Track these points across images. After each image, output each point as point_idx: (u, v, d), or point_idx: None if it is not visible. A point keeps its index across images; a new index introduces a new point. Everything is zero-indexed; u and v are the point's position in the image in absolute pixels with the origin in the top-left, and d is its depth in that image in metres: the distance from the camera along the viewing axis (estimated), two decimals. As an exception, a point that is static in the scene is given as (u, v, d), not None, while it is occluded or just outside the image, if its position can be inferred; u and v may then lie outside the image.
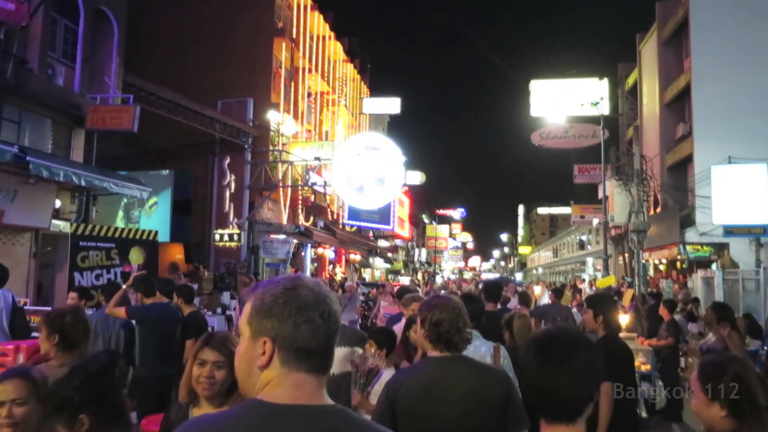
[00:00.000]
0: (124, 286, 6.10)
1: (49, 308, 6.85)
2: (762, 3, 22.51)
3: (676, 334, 7.95)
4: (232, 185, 19.60)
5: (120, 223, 19.29)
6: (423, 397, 2.52)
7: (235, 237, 19.36)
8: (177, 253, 20.26)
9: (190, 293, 5.86)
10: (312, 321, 1.31)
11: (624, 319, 7.78)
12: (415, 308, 4.24)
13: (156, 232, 13.14)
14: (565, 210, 68.64)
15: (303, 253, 24.32)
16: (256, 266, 19.49)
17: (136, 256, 11.85)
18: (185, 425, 1.35)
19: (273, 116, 20.07)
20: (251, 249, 19.45)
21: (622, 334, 7.55)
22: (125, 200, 19.15)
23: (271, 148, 20.33)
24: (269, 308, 1.32)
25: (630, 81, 33.40)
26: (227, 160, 19.68)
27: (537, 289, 21.31)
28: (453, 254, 73.29)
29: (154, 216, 19.12)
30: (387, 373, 3.62)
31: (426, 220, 62.34)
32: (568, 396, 1.58)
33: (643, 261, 22.04)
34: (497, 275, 67.99)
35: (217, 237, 19.42)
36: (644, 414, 6.96)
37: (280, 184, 19.99)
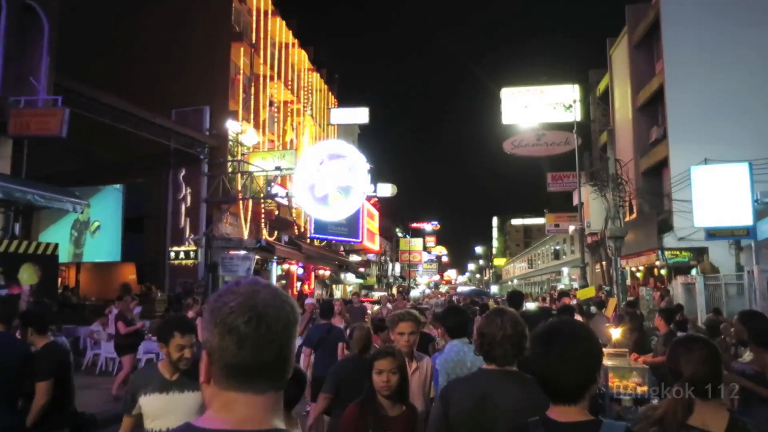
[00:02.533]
0: None
1: None
2: (732, 3, 22.17)
3: None
4: (188, 199, 18.36)
5: (66, 247, 17.93)
6: (476, 408, 2.55)
7: (192, 254, 18.12)
8: (129, 274, 18.97)
9: (40, 319, 4.32)
10: (236, 330, 1.12)
11: (615, 333, 6.79)
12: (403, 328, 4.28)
13: (56, 245, 11.00)
14: (539, 221, 68.49)
15: (269, 270, 23.12)
16: (214, 285, 18.20)
17: (27, 275, 10.02)
18: None
19: (231, 125, 18.93)
20: (209, 267, 18.19)
21: (609, 350, 6.58)
22: (73, 219, 17.82)
23: (229, 158, 19.15)
24: (206, 318, 1.17)
25: (601, 86, 33.05)
26: (182, 173, 18.47)
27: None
28: (428, 268, 72.41)
29: (102, 235, 17.77)
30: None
31: (399, 234, 61.43)
32: (570, 382, 1.84)
33: (621, 268, 21.31)
34: (473, 288, 67.22)
35: (173, 255, 18.16)
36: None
37: (240, 197, 18.80)
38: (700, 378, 2.21)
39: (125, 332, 9.45)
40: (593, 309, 15.41)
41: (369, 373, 3.30)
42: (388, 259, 52.96)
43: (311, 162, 17.10)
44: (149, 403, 3.30)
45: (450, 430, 2.60)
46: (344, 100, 34.85)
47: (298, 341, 7.00)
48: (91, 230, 17.59)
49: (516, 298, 8.31)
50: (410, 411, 3.35)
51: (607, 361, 6.15)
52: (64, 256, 18.03)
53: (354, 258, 37.16)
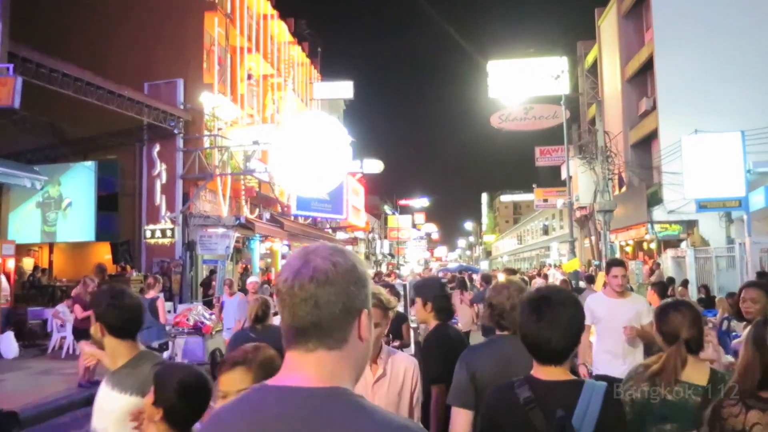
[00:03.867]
0: None
1: None
2: (724, -32, 21.55)
3: None
4: (164, 176, 17.66)
5: (37, 227, 17.27)
6: (502, 372, 2.58)
7: (169, 233, 17.46)
8: (104, 254, 18.35)
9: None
10: (277, 291, 1.22)
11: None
12: None
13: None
14: (528, 197, 68.19)
15: (251, 248, 22.53)
16: (192, 264, 17.64)
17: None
18: None
19: (207, 98, 18.18)
20: (187, 245, 17.59)
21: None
22: (39, 199, 17.13)
23: (206, 133, 18.44)
24: None
25: (590, 59, 32.46)
26: (157, 148, 17.73)
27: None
28: (417, 245, 72.08)
29: (74, 214, 17.10)
30: None
31: (388, 211, 60.91)
32: (559, 345, 2.04)
33: (611, 242, 20.94)
34: (461, 264, 67.05)
35: (149, 233, 17.49)
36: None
37: (217, 172, 18.14)
38: (693, 337, 2.48)
39: (82, 317, 8.84)
40: (582, 284, 15.01)
41: None
42: (376, 236, 52.52)
43: (290, 135, 16.41)
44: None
45: (478, 394, 2.65)
46: (328, 75, 34.02)
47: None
48: (62, 208, 16.90)
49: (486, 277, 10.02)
50: None
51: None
52: (35, 236, 17.41)
53: (341, 235, 36.65)
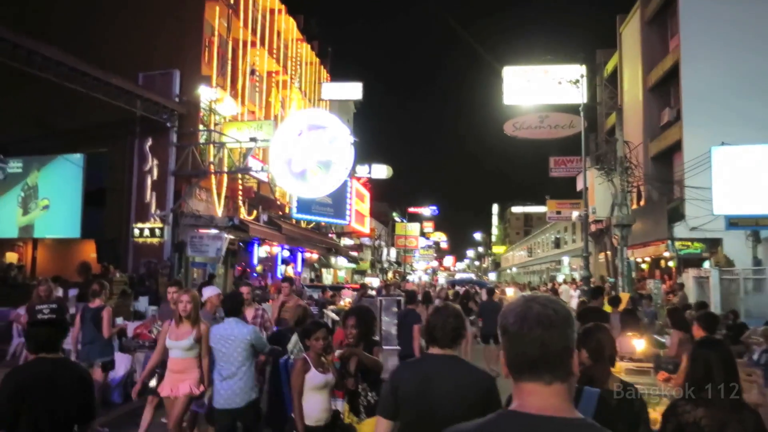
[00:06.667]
0: None
1: None
2: (756, -26, 20.37)
3: None
4: (155, 171, 16.67)
5: (13, 221, 16.37)
6: (421, 387, 2.90)
7: (158, 232, 16.45)
8: (91, 252, 17.36)
9: None
10: (506, 331, 1.52)
11: (639, 344, 5.12)
12: None
13: None
14: (539, 209, 66.86)
15: (249, 252, 21.50)
16: (181, 265, 16.61)
17: None
18: None
19: (205, 92, 17.20)
20: (176, 246, 16.57)
21: (627, 365, 4.96)
22: (20, 193, 16.22)
23: (201, 128, 17.44)
24: None
25: (609, 67, 31.24)
26: (149, 143, 16.76)
27: (510, 291, 18.95)
28: (425, 254, 70.82)
29: (58, 209, 16.15)
30: None
31: (397, 219, 59.76)
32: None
33: (627, 258, 19.70)
34: (471, 275, 65.66)
35: (137, 232, 16.50)
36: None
37: (211, 170, 17.12)
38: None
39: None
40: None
41: None
42: (382, 243, 51.38)
43: (289, 133, 15.38)
44: None
45: (398, 406, 2.97)
46: (338, 77, 33.02)
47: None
48: (38, 203, 15.98)
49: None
50: None
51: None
52: (11, 230, 16.50)
53: (346, 241, 35.53)
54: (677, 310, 6.75)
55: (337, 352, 4.55)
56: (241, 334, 5.17)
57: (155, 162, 16.69)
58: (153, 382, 5.86)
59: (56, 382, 3.07)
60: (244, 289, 6.83)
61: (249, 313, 6.84)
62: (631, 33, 27.22)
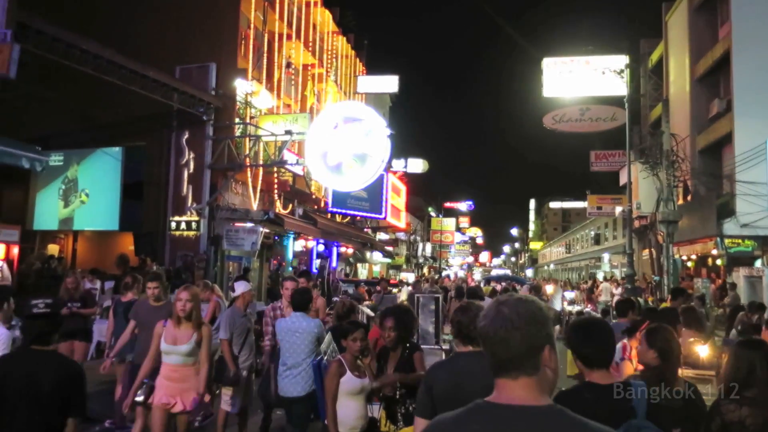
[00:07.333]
0: None
1: None
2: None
3: None
4: (191, 164, 16.69)
5: (55, 214, 16.59)
6: (455, 386, 2.93)
7: (194, 225, 16.53)
8: (128, 244, 17.49)
9: None
10: (481, 334, 1.67)
11: (703, 350, 4.70)
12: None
13: None
14: (578, 204, 65.45)
15: (285, 245, 21.43)
16: (216, 259, 16.59)
17: None
18: None
19: (241, 85, 17.12)
20: (212, 239, 16.56)
21: (690, 373, 4.57)
22: (61, 186, 16.43)
23: (237, 121, 17.38)
24: None
25: (654, 57, 30.18)
26: (185, 136, 16.79)
27: (549, 289, 18.42)
28: (460, 249, 70.19)
29: (97, 202, 16.31)
30: None
31: (432, 213, 59.31)
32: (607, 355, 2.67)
33: (673, 256, 18.94)
34: (507, 271, 64.85)
35: (173, 225, 16.60)
36: None
37: (247, 163, 17.04)
38: None
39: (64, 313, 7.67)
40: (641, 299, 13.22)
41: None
42: (418, 238, 51.03)
43: (324, 126, 15.18)
44: None
45: (434, 404, 2.94)
46: (374, 69, 32.73)
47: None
48: (78, 195, 16.16)
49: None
50: None
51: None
52: (53, 222, 16.72)
53: (382, 236, 35.32)
54: (691, 309, 6.30)
55: (375, 384, 4.24)
56: (309, 327, 5.36)
57: (192, 155, 16.71)
58: (139, 397, 5.13)
59: (38, 374, 3.11)
60: (289, 284, 6.58)
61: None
62: (677, 21, 26.20)
